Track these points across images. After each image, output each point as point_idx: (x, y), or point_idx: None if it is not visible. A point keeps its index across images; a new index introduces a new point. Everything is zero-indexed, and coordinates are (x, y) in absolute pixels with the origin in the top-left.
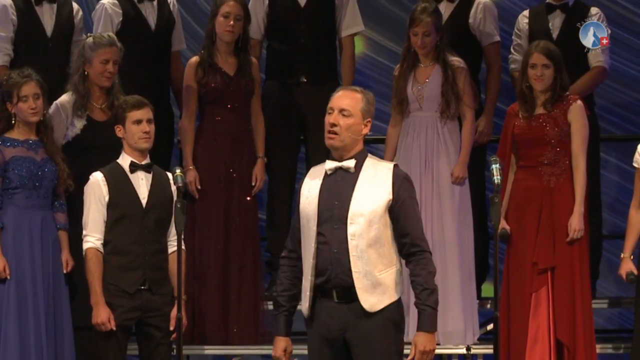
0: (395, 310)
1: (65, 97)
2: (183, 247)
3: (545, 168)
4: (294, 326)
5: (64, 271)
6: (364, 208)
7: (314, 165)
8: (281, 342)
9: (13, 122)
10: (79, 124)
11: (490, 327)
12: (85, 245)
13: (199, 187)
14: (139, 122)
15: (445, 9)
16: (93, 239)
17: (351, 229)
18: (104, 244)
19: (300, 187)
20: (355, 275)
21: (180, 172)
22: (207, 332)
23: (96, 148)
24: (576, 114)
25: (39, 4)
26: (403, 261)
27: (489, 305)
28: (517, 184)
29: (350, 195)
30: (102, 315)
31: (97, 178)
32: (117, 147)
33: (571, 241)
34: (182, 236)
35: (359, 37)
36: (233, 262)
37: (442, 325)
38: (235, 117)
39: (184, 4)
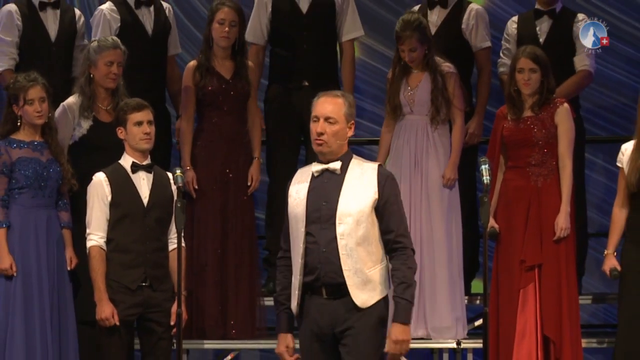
0: (383, 306)
1: (72, 99)
2: (183, 244)
3: (533, 169)
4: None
5: (68, 268)
6: (351, 208)
7: None
8: (284, 339)
9: (19, 124)
10: (86, 125)
11: (479, 322)
12: (89, 244)
13: (196, 187)
14: (139, 123)
15: (439, 15)
16: (96, 237)
17: (340, 229)
18: (107, 242)
19: (288, 189)
20: (346, 274)
21: (180, 172)
22: (206, 327)
23: (102, 148)
24: (563, 117)
25: (43, 10)
26: None
27: (478, 301)
28: (506, 184)
29: (338, 196)
30: (106, 311)
31: (99, 178)
32: (122, 148)
33: (558, 239)
34: (182, 234)
35: None
36: (230, 260)
37: (432, 320)
38: (231, 120)
39: (183, 9)
